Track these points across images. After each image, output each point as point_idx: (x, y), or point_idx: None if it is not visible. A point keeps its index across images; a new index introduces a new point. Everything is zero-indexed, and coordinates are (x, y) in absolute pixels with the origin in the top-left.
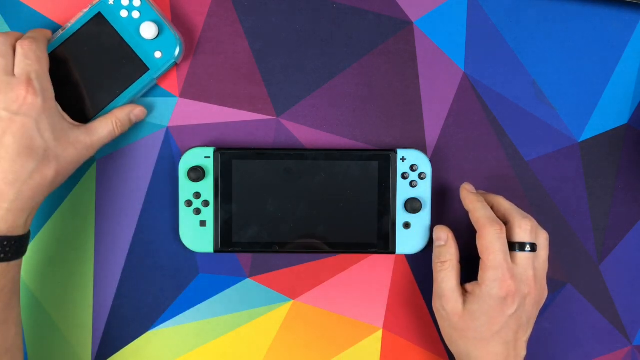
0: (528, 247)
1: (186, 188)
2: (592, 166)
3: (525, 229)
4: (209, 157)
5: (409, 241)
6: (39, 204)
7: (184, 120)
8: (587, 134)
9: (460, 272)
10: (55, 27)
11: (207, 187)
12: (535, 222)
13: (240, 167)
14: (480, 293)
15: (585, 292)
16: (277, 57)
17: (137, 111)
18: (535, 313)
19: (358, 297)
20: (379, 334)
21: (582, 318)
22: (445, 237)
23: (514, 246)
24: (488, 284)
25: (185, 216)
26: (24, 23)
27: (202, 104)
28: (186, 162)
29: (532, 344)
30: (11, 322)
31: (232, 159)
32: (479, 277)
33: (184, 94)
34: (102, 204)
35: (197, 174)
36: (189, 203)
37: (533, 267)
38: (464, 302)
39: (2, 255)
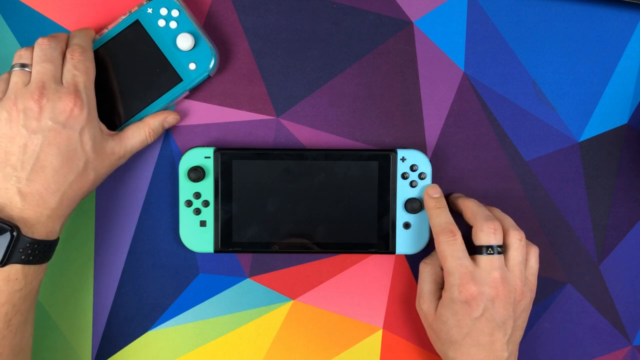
0: (490, 250)
1: (186, 188)
2: (592, 166)
3: (487, 231)
4: (209, 157)
5: (409, 241)
6: (72, 212)
7: (184, 120)
8: (587, 134)
9: (442, 277)
10: (55, 28)
11: (207, 187)
12: (508, 223)
13: (240, 167)
14: (445, 298)
15: (585, 292)
16: (277, 57)
17: (170, 118)
18: (512, 313)
19: (358, 297)
20: (379, 334)
21: (582, 318)
22: None
23: (478, 249)
24: (449, 289)
25: (185, 216)
26: (24, 23)
27: (202, 104)
28: (186, 162)
29: (532, 344)
30: (29, 323)
31: (232, 159)
32: (445, 282)
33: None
34: (102, 204)
35: (197, 174)
36: (189, 203)
37: (500, 268)
38: (437, 305)
39: (38, 258)
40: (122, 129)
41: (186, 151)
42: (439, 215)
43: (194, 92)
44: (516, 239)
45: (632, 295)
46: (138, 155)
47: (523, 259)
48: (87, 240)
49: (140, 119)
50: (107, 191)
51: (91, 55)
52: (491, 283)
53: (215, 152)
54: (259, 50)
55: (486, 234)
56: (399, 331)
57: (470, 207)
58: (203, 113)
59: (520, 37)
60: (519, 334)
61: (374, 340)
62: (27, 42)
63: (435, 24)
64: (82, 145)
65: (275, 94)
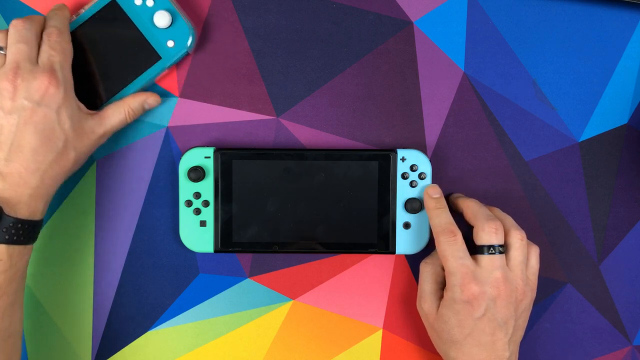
0: (492, 250)
1: (186, 188)
2: (592, 166)
3: (488, 231)
4: (209, 157)
5: (409, 241)
6: (55, 191)
7: (184, 120)
8: (587, 134)
9: (442, 276)
10: None
11: (207, 187)
12: (509, 222)
13: (240, 167)
14: (447, 298)
15: (585, 292)
16: (277, 57)
17: (150, 100)
18: (514, 313)
19: (358, 297)
20: (379, 334)
21: (582, 318)
22: None
23: (479, 249)
24: (450, 289)
25: (185, 216)
26: None
27: (202, 104)
28: (186, 162)
29: (532, 344)
30: (18, 306)
31: (232, 159)
32: (446, 282)
33: (184, 94)
34: (102, 204)
35: (197, 174)
36: (189, 203)
37: (501, 268)
38: (439, 305)
39: (22, 238)
40: (102, 109)
41: (186, 151)
42: (439, 216)
43: (194, 93)
44: (517, 238)
45: (632, 295)
46: (138, 155)
47: (524, 259)
48: (87, 240)
49: (121, 99)
50: (107, 191)
51: (68, 37)
52: (493, 283)
53: (215, 152)
54: (259, 50)
55: (487, 234)
56: (399, 331)
57: (471, 207)
58: (203, 113)
59: (520, 37)
60: (520, 333)
61: (374, 340)
62: None
63: (435, 24)
64: (59, 124)
65: (275, 94)
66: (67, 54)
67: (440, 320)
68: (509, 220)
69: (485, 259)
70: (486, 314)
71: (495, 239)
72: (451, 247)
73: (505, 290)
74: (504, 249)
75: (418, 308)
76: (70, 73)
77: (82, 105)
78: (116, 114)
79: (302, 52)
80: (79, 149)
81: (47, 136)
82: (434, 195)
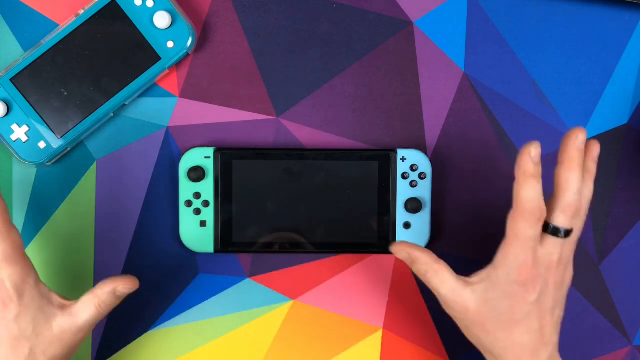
0: (562, 234)
1: (186, 188)
2: None
3: (568, 214)
4: (209, 157)
5: (409, 241)
6: None
7: (184, 120)
8: (587, 134)
9: (450, 268)
10: (55, 27)
11: (207, 187)
12: (582, 206)
13: (240, 167)
14: (497, 278)
15: (585, 292)
16: (277, 57)
17: (120, 287)
18: (561, 295)
19: (358, 297)
20: (379, 334)
21: (582, 318)
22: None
23: (547, 227)
24: (503, 269)
25: (185, 216)
26: (24, 23)
27: (202, 104)
28: (186, 162)
29: None
30: None
31: (232, 159)
32: (496, 259)
33: (184, 94)
34: (102, 204)
35: (197, 174)
36: (189, 203)
37: (560, 251)
38: (476, 292)
39: None
40: (72, 303)
41: (186, 151)
42: (533, 188)
43: (194, 93)
44: (582, 221)
45: (632, 295)
46: (138, 155)
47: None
48: (87, 240)
49: (90, 290)
50: (107, 191)
51: (7, 227)
52: (549, 265)
53: (215, 152)
54: (259, 50)
55: (565, 217)
56: (399, 331)
57: (569, 180)
58: (203, 113)
59: (520, 37)
60: (562, 313)
61: (374, 340)
62: (27, 42)
63: (435, 24)
64: (21, 331)
65: (275, 94)
66: (11, 259)
67: (486, 307)
68: (586, 200)
69: (550, 240)
70: (539, 298)
71: (569, 224)
72: (528, 232)
73: (557, 273)
74: (570, 233)
75: (448, 310)
76: (24, 269)
77: (54, 298)
78: (86, 309)
79: (302, 52)
80: (51, 352)
81: (12, 346)
82: (535, 160)
